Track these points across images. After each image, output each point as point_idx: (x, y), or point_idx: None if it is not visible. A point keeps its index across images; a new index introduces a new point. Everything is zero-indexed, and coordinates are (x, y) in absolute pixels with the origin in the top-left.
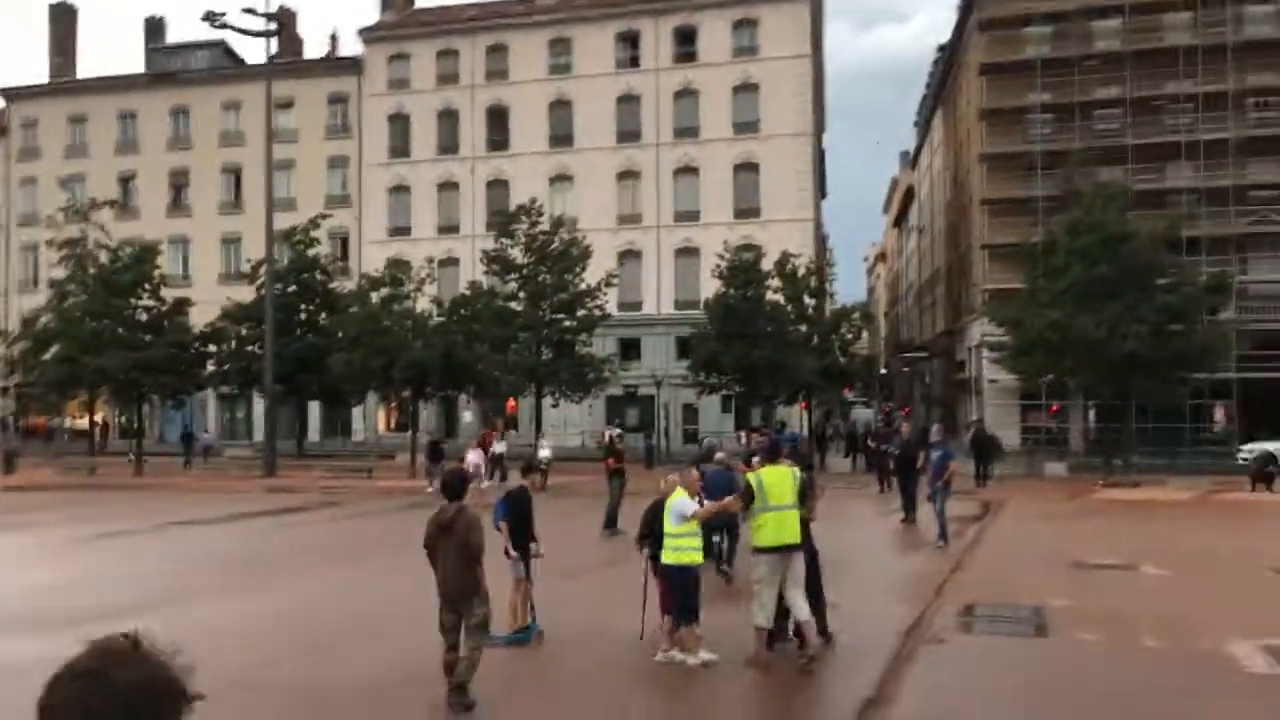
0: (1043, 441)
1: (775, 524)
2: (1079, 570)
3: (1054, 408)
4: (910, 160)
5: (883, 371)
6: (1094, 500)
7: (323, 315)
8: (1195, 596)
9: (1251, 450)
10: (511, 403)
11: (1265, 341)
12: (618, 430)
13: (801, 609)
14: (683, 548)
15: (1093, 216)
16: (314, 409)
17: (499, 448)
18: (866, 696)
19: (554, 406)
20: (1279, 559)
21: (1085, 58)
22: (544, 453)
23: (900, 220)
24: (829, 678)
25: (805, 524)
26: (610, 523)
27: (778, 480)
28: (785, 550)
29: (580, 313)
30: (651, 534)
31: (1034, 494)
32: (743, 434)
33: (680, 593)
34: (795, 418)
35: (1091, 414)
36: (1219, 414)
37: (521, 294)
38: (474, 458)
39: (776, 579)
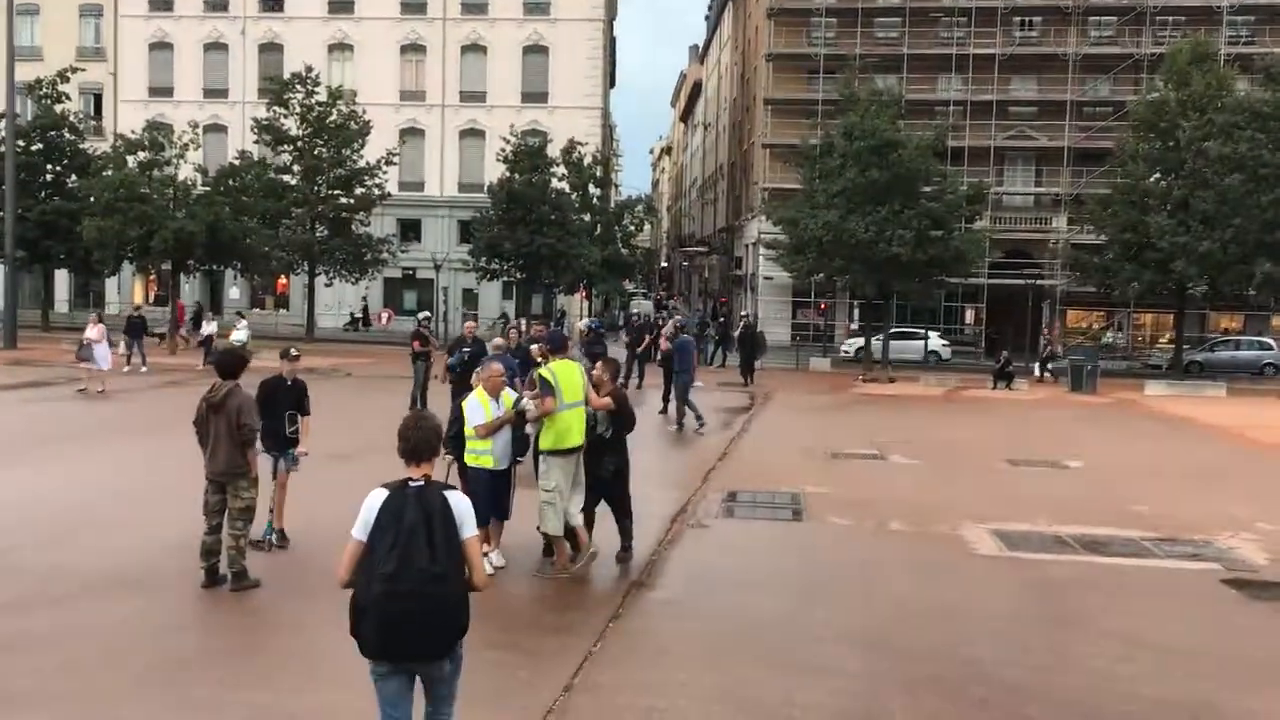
0: (810, 337)
1: (566, 424)
2: (835, 459)
3: (823, 306)
4: (700, 54)
5: (663, 265)
6: (853, 394)
7: (72, 177)
8: (937, 484)
9: (851, 344)
10: (283, 280)
11: (1014, 250)
12: (425, 314)
13: (575, 515)
14: (477, 450)
15: (867, 123)
16: (62, 278)
17: (208, 328)
18: (632, 580)
19: (328, 285)
20: (1012, 451)
21: None
22: (239, 334)
23: (687, 114)
24: (598, 562)
25: (619, 439)
26: (416, 404)
27: (567, 375)
28: (575, 451)
29: (358, 190)
30: (458, 434)
31: (799, 388)
32: (522, 321)
33: (472, 497)
34: (575, 306)
35: (856, 312)
36: (969, 316)
37: (295, 167)
38: (93, 335)
39: (569, 482)
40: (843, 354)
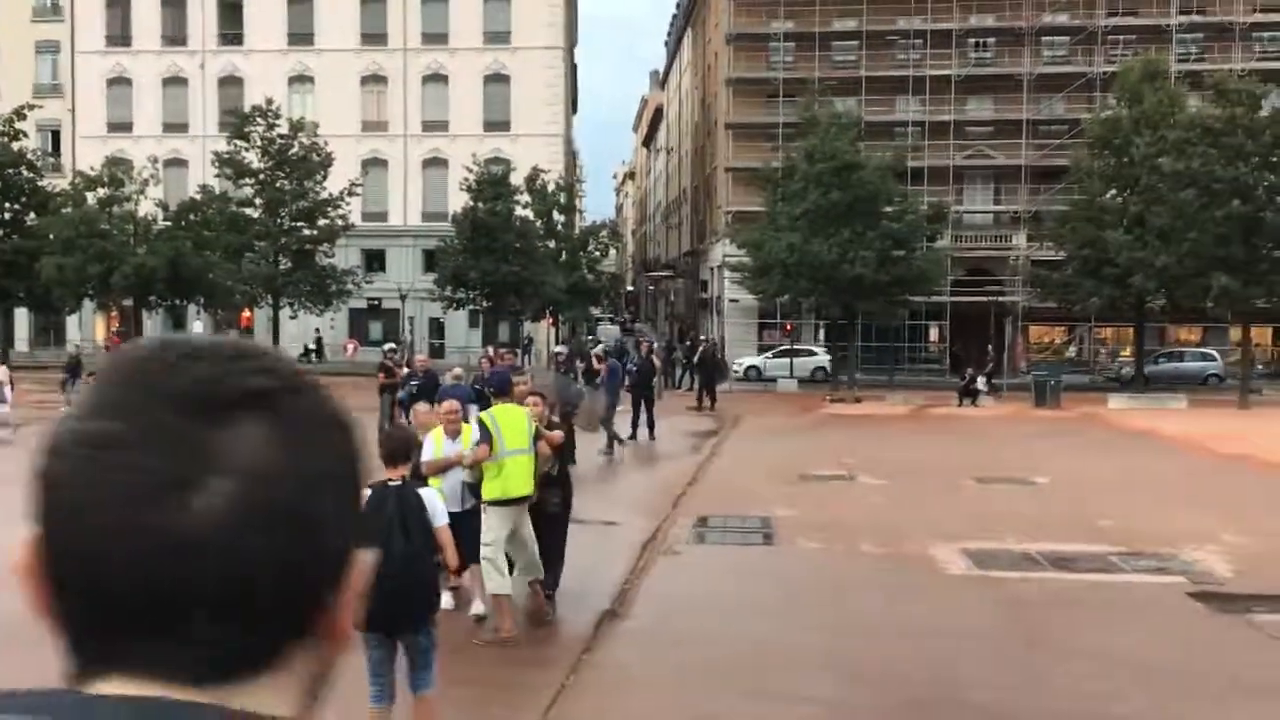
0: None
1: (510, 472)
2: (804, 481)
3: (788, 327)
4: (661, 80)
5: (629, 289)
6: (821, 415)
7: (31, 215)
8: (905, 504)
9: (741, 363)
10: (246, 314)
11: (975, 268)
12: (391, 346)
13: (519, 581)
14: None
15: (827, 145)
16: (22, 317)
17: None
18: (604, 609)
19: (293, 318)
20: (979, 469)
21: None
22: None
23: (649, 140)
24: (571, 592)
25: (564, 474)
26: None
27: (510, 419)
28: (519, 502)
29: (321, 222)
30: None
31: (766, 409)
32: (489, 350)
33: None
34: (542, 333)
35: (821, 333)
36: (934, 334)
37: (258, 200)
38: None
39: (506, 535)
40: (734, 374)
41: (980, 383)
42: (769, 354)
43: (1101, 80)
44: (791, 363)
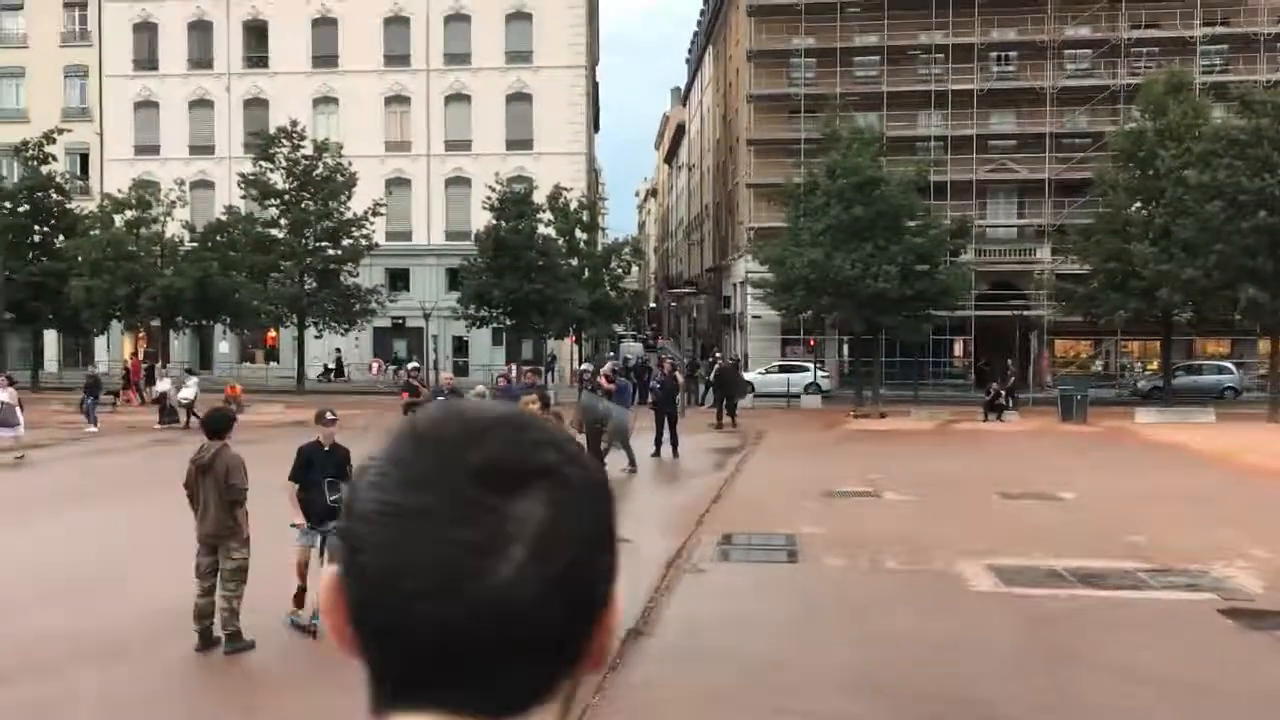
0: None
1: None
2: (829, 498)
3: (811, 342)
4: (682, 97)
5: (652, 306)
6: (845, 430)
7: (60, 238)
8: (931, 520)
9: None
10: (272, 334)
11: (999, 282)
12: (414, 364)
13: None
14: None
15: (849, 160)
16: (51, 338)
17: (162, 385)
18: (630, 628)
19: (317, 338)
20: (1005, 484)
21: (847, 4)
22: (186, 392)
23: (671, 157)
24: None
25: None
26: None
27: None
28: None
29: (346, 241)
30: None
31: (790, 425)
32: (513, 367)
33: None
34: (565, 351)
35: (845, 349)
36: (958, 349)
37: (283, 221)
38: (3, 397)
39: None
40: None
41: (1000, 397)
42: (761, 370)
43: (1125, 93)
44: (789, 379)
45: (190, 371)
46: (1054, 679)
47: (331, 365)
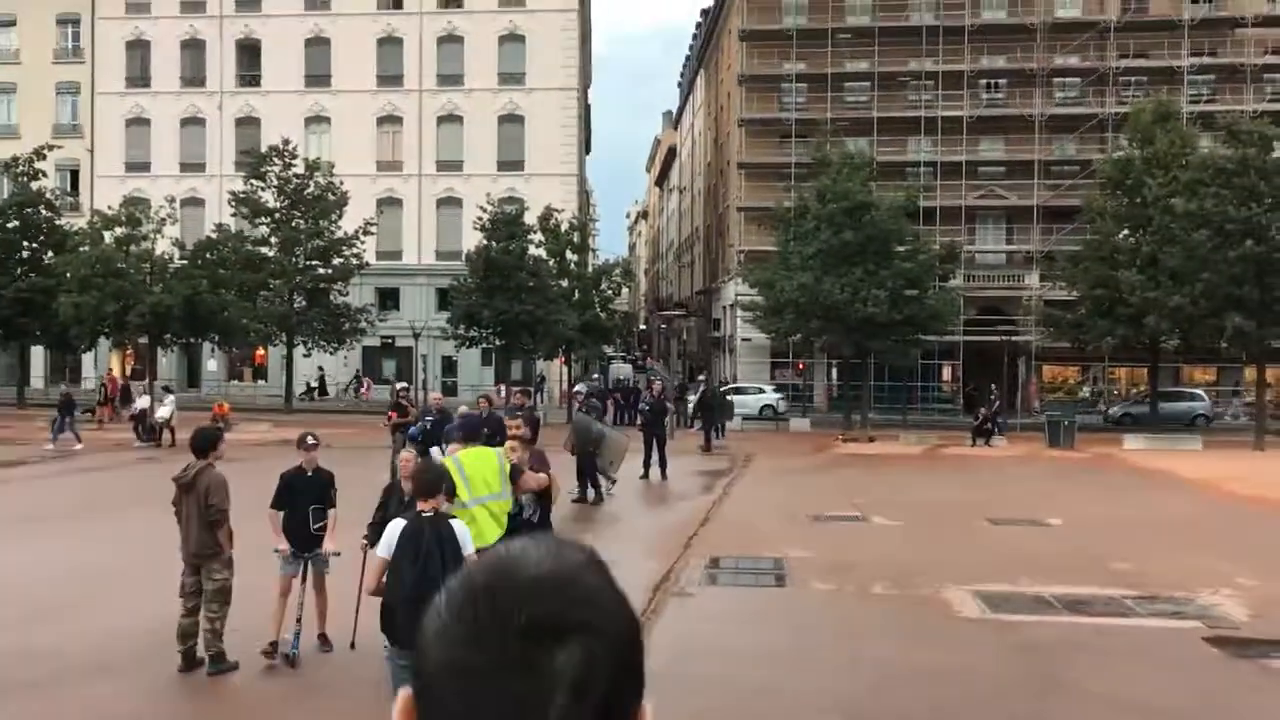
0: (789, 398)
1: (480, 523)
2: (817, 522)
3: (800, 366)
4: (673, 120)
5: (642, 328)
6: (833, 454)
7: (49, 254)
8: (919, 546)
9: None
10: (260, 352)
11: (988, 307)
12: (403, 384)
13: None
14: None
15: (839, 185)
16: (38, 355)
17: (141, 403)
18: None
19: (306, 356)
20: (993, 510)
21: (838, 31)
22: (163, 410)
23: (662, 179)
24: None
25: (546, 515)
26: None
27: (479, 464)
28: None
29: (336, 261)
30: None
31: (779, 449)
32: (502, 388)
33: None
34: (555, 372)
35: (834, 372)
36: (947, 374)
37: (273, 239)
38: None
39: None
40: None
41: (988, 422)
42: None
43: (1113, 121)
44: (866, 403)
45: (167, 389)
46: (1041, 707)
47: (315, 384)
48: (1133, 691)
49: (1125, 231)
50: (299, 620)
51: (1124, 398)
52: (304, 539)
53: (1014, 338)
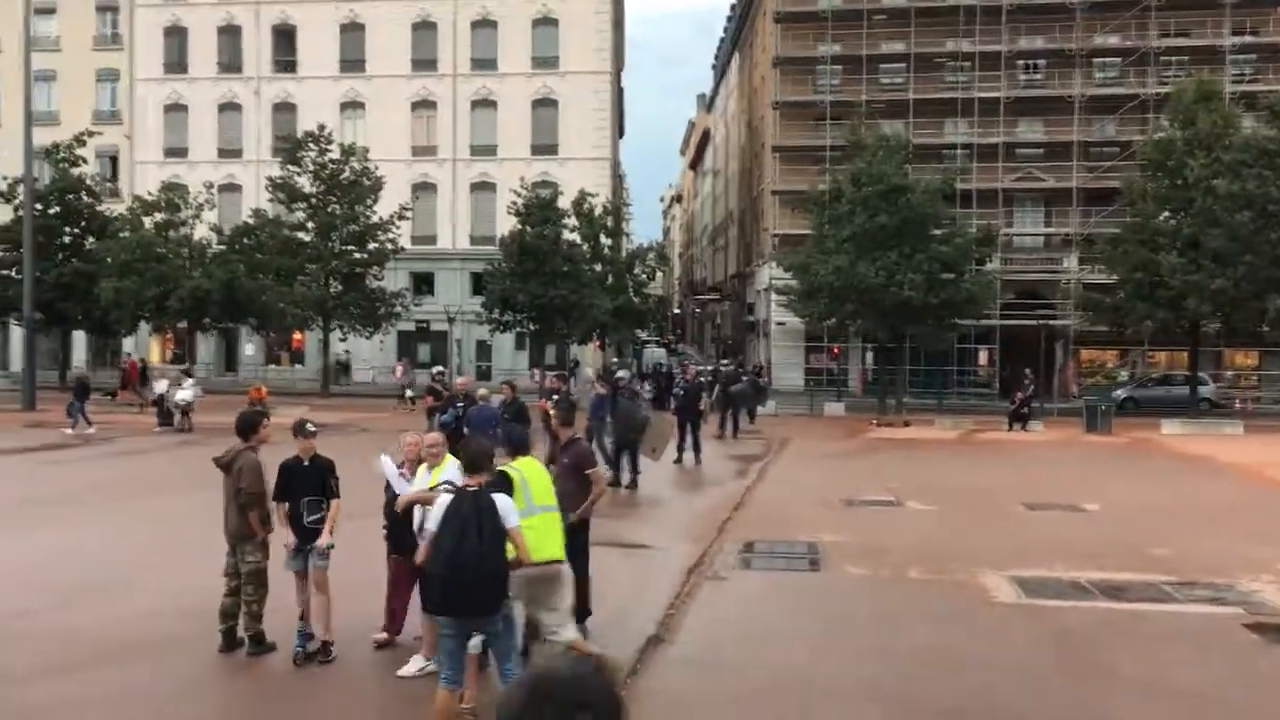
0: (824, 382)
1: (539, 531)
2: (851, 507)
3: (835, 350)
4: (707, 103)
5: (675, 312)
6: (868, 439)
7: (90, 240)
8: (954, 530)
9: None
10: (297, 336)
11: (1025, 291)
12: (439, 368)
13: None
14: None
15: (875, 168)
16: (79, 339)
17: (160, 386)
18: (650, 635)
19: (342, 340)
20: (1029, 494)
21: (873, 12)
22: (183, 394)
23: (697, 163)
24: (615, 618)
25: (584, 523)
26: None
27: (534, 475)
28: (551, 566)
29: (371, 245)
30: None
31: (813, 433)
32: (535, 372)
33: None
34: (589, 356)
35: (869, 356)
36: (983, 358)
37: (309, 224)
38: None
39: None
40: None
41: (1025, 406)
42: None
43: (1154, 102)
44: (901, 387)
45: (187, 373)
46: (1078, 693)
47: (339, 366)
48: (1172, 678)
49: (1166, 214)
50: (302, 618)
51: (1125, 381)
52: (301, 533)
53: (1051, 321)
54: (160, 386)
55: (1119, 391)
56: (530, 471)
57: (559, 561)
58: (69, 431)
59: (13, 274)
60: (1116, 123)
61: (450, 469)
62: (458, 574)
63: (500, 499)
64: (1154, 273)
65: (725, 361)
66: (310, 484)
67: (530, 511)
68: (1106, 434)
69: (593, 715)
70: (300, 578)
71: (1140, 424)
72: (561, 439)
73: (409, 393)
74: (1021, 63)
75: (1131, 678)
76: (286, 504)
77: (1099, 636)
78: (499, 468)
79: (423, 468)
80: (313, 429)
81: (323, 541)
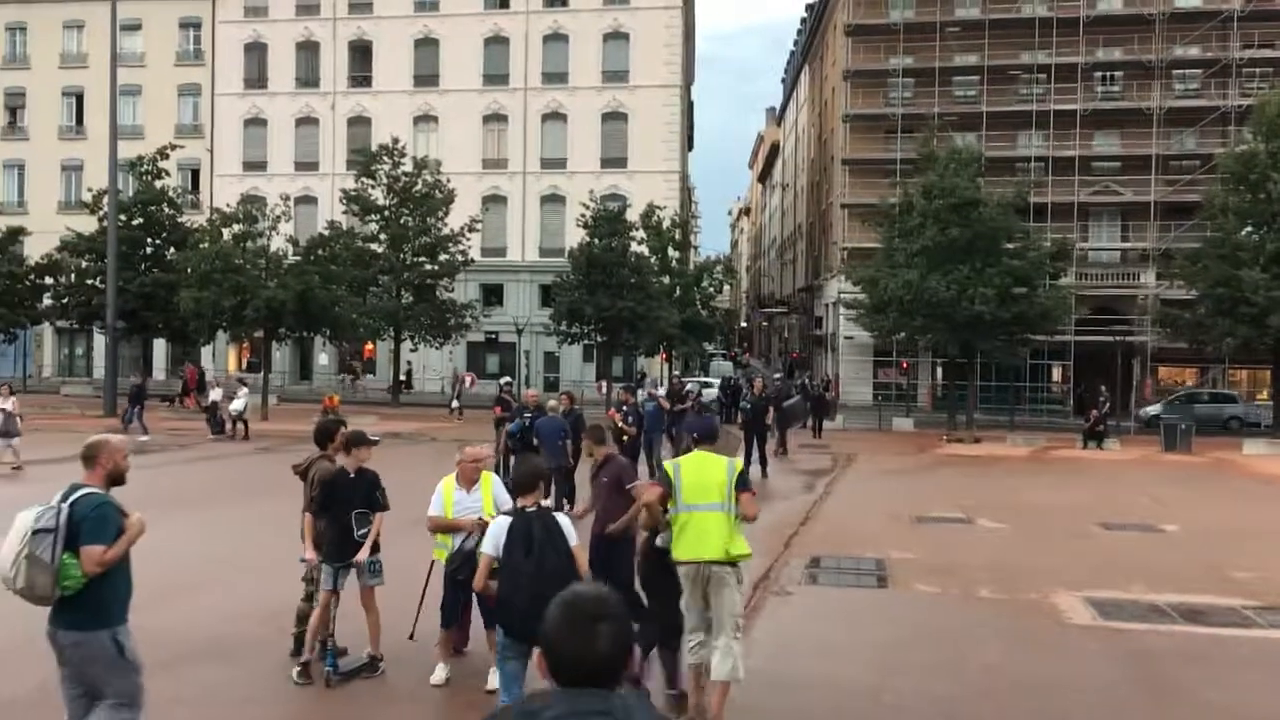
0: (893, 397)
1: (693, 531)
2: (920, 523)
3: (904, 365)
4: (777, 116)
5: (743, 325)
6: (937, 455)
7: (170, 250)
8: (1027, 549)
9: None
10: (369, 346)
11: (1101, 306)
12: (507, 379)
13: (719, 667)
14: (438, 540)
15: (946, 181)
16: (159, 347)
17: (214, 394)
18: None
19: (413, 351)
20: (1104, 514)
21: (946, 24)
22: (236, 404)
23: (765, 176)
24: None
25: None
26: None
27: (700, 474)
28: (704, 565)
29: (442, 257)
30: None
31: (882, 448)
32: (602, 384)
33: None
34: (656, 368)
35: (939, 371)
36: (1056, 374)
37: (382, 236)
38: (7, 406)
39: (697, 596)
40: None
41: (1101, 424)
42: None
43: (1236, 114)
44: (971, 403)
45: (242, 382)
46: (1153, 717)
47: (402, 378)
48: (1253, 704)
49: (1249, 228)
50: (332, 636)
51: (1153, 400)
52: (345, 548)
53: (1128, 338)
54: (214, 394)
55: (1148, 409)
56: (692, 470)
57: (717, 563)
58: (143, 438)
59: (97, 283)
60: (1197, 135)
61: (495, 487)
62: (538, 596)
63: (562, 519)
64: (1236, 288)
65: (776, 376)
66: (360, 496)
67: (680, 510)
68: (1186, 453)
69: (608, 624)
70: (328, 595)
71: (1220, 444)
72: (597, 457)
73: (455, 404)
74: (1098, 74)
75: (1212, 703)
76: (318, 517)
77: (1178, 661)
78: (666, 464)
79: (449, 479)
80: (375, 438)
81: (362, 556)
